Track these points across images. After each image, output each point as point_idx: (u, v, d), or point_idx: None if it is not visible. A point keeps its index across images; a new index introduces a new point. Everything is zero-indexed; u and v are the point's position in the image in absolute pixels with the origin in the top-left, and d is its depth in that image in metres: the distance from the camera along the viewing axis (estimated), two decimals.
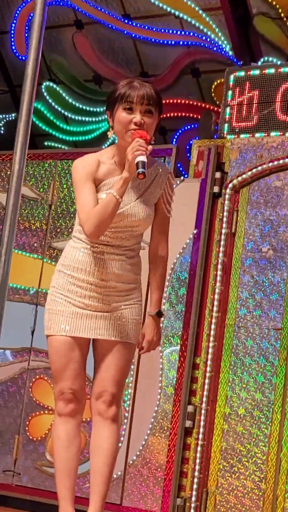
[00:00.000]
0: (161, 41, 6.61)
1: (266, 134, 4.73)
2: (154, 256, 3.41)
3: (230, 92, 4.91)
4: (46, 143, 7.49)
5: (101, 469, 3.27)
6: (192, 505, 4.51)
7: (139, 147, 3.11)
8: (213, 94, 6.60)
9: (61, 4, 6.93)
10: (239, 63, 5.81)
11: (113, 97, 3.25)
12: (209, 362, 4.59)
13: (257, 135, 4.76)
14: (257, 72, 4.85)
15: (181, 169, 6.55)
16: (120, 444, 4.46)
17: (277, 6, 5.90)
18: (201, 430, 4.55)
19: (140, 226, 3.30)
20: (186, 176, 5.22)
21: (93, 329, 3.29)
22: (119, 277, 3.29)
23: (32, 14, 3.01)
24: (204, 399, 4.57)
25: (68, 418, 3.32)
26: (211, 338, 4.61)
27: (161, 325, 3.43)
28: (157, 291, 3.41)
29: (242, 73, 4.92)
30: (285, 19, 5.96)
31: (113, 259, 3.30)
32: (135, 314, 3.34)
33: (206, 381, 4.58)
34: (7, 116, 7.65)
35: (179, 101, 6.70)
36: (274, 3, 5.98)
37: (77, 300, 3.29)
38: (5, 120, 7.60)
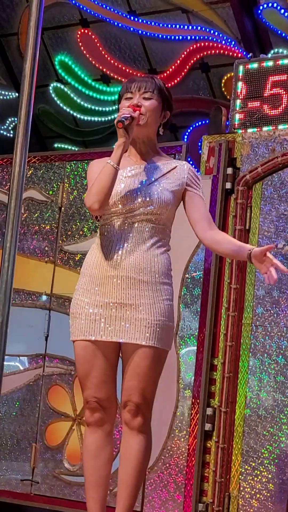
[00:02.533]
0: (168, 37, 6.56)
1: (275, 128, 4.65)
2: (212, 240, 3.29)
3: (239, 85, 4.83)
4: (56, 145, 7.47)
5: (126, 481, 3.20)
6: (215, 510, 4.43)
7: (121, 110, 3.18)
8: (223, 89, 6.54)
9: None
10: (248, 55, 5.73)
11: (119, 94, 3.37)
12: (227, 363, 4.51)
13: (269, 128, 4.68)
14: (269, 63, 4.77)
15: (193, 166, 6.48)
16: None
17: None
18: (221, 433, 4.47)
19: (154, 209, 3.20)
20: (198, 173, 5.15)
21: (112, 331, 3.16)
22: (138, 269, 3.17)
23: None
24: (223, 401, 4.49)
25: (95, 427, 3.24)
26: (228, 338, 4.53)
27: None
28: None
29: (251, 65, 4.84)
30: None
31: (132, 249, 3.19)
32: (159, 314, 3.16)
33: (225, 382, 4.50)
34: (15, 119, 7.63)
35: (189, 97, 6.65)
36: None
37: (95, 299, 3.20)
38: (14, 124, 7.57)
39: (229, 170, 4.69)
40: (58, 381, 5.14)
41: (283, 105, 4.67)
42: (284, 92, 4.68)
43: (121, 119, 3.13)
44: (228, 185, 4.68)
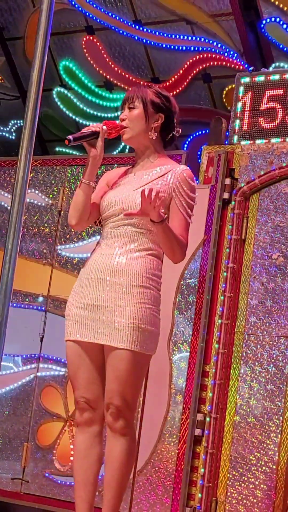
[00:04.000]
0: (172, 47, 6.62)
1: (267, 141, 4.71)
2: None
3: (240, 98, 4.89)
4: (57, 149, 7.51)
5: (110, 483, 3.22)
6: None
7: (86, 127, 3.31)
8: (224, 100, 6.60)
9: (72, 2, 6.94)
10: (250, 68, 5.80)
11: None
12: (218, 370, 4.56)
13: (269, 140, 4.74)
14: (269, 77, 4.83)
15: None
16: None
17: (286, 8, 5.89)
18: (211, 438, 4.52)
19: (134, 211, 3.22)
20: (197, 182, 5.21)
21: (91, 333, 3.20)
22: (115, 272, 3.20)
23: None
24: (214, 407, 4.54)
25: (85, 427, 3.27)
26: (221, 346, 4.58)
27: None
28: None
29: (252, 79, 4.90)
30: None
31: (111, 253, 3.24)
32: (132, 318, 3.15)
33: (216, 389, 4.55)
34: (18, 121, 7.68)
35: (190, 106, 6.71)
36: (285, 8, 5.97)
37: (79, 301, 3.27)
38: (16, 126, 7.62)
39: (227, 181, 4.75)
40: (52, 382, 5.19)
41: (279, 119, 4.74)
42: (280, 107, 4.75)
43: (69, 136, 3.24)
44: (225, 195, 4.74)
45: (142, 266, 3.23)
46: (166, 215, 3.19)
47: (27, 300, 5.37)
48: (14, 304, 5.36)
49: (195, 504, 4.51)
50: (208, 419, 4.54)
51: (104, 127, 3.30)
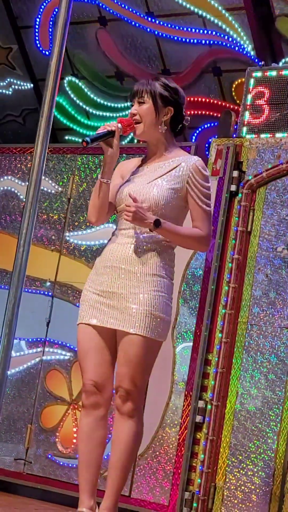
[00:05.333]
0: (183, 39, 6.63)
1: (286, 135, 4.76)
2: None
3: (249, 92, 4.94)
4: (66, 137, 7.54)
5: (115, 464, 3.31)
6: (200, 499, 4.56)
7: (102, 126, 3.34)
8: (233, 93, 6.63)
9: (85, 0, 6.99)
10: (260, 63, 5.83)
11: None
12: (221, 359, 4.63)
13: (276, 135, 4.78)
14: (274, 73, 4.88)
15: None
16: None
17: None
18: (211, 425, 4.59)
19: (147, 206, 3.31)
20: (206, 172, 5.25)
21: (105, 319, 3.29)
22: (129, 260, 3.30)
23: (57, 9, 3.07)
24: (215, 395, 4.61)
25: (90, 410, 3.34)
26: (224, 335, 4.65)
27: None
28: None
29: (262, 73, 4.94)
30: None
31: (127, 242, 3.34)
32: (146, 304, 3.25)
33: (218, 377, 4.62)
34: (29, 109, 7.72)
35: (199, 99, 6.73)
36: None
37: (94, 287, 3.36)
38: (26, 113, 7.66)
39: (235, 173, 4.80)
40: (57, 366, 5.26)
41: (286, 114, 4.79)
42: None
43: (86, 138, 3.27)
44: (233, 188, 4.80)
45: (156, 255, 3.33)
46: (153, 220, 3.26)
47: (34, 285, 5.44)
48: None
49: (194, 489, 4.59)
50: (209, 406, 4.61)
51: (119, 125, 3.35)
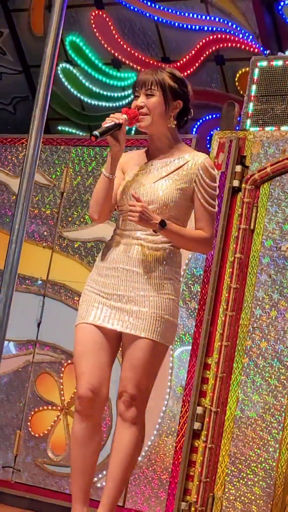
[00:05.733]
0: (184, 26, 6.67)
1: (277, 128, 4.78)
2: None
3: (254, 82, 4.96)
4: (59, 128, 7.58)
5: (113, 472, 3.33)
6: (198, 509, 4.58)
7: (107, 118, 3.31)
8: (237, 83, 6.67)
9: None
10: (265, 52, 5.86)
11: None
12: (221, 363, 4.65)
13: (282, 128, 4.81)
14: (282, 62, 4.90)
15: None
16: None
17: None
18: (210, 432, 4.62)
19: (155, 207, 3.34)
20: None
21: (112, 320, 3.31)
22: (138, 262, 3.33)
23: None
24: (215, 401, 4.63)
25: (85, 415, 3.36)
26: (224, 338, 4.67)
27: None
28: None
29: (267, 63, 4.97)
30: None
31: (134, 243, 3.36)
32: (156, 308, 3.29)
33: (217, 382, 4.64)
34: (20, 97, 7.74)
35: (201, 89, 6.77)
36: None
37: (98, 289, 3.37)
38: (17, 100, 7.68)
39: (238, 168, 4.82)
40: (48, 369, 5.28)
41: None
42: None
43: (95, 132, 3.26)
44: (235, 183, 4.82)
45: (164, 257, 3.37)
46: (158, 221, 3.29)
47: (25, 283, 5.46)
48: None
49: (191, 499, 4.61)
50: (208, 413, 4.63)
51: (125, 116, 3.32)
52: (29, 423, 5.26)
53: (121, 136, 3.33)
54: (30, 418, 5.27)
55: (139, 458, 4.73)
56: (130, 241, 3.36)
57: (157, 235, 3.35)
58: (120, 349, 3.44)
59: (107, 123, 3.29)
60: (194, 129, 6.75)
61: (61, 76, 7.44)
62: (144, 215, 3.24)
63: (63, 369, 5.23)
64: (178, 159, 3.42)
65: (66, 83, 7.46)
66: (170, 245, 3.40)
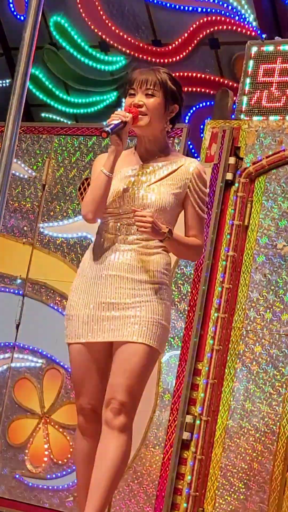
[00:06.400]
0: (177, 7, 6.71)
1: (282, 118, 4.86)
2: None
3: (250, 69, 5.04)
4: (43, 115, 7.62)
5: (100, 483, 3.38)
6: None
7: (113, 116, 3.40)
8: (232, 69, 6.72)
9: None
10: (262, 35, 5.92)
11: (125, 88, 3.62)
12: (212, 368, 4.73)
13: (277, 118, 4.88)
14: (283, 47, 4.97)
15: (193, 151, 6.67)
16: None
17: None
18: (200, 443, 4.69)
19: (152, 212, 3.44)
20: (198, 159, 5.34)
21: (106, 331, 3.44)
22: (131, 268, 3.45)
23: None
24: (205, 409, 4.71)
25: (89, 434, 3.52)
26: (216, 342, 4.75)
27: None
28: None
29: (265, 48, 5.04)
30: None
31: (125, 248, 3.47)
32: (152, 313, 3.42)
33: (208, 389, 4.72)
34: (1, 82, 7.79)
35: (194, 74, 6.82)
36: None
37: (88, 299, 3.47)
38: None
39: (231, 160, 4.90)
40: (27, 374, 5.34)
41: None
42: None
43: (106, 129, 3.35)
44: (229, 176, 4.90)
45: (158, 262, 3.50)
46: (168, 229, 3.44)
47: (3, 282, 5.52)
48: None
49: None
50: (198, 421, 4.72)
51: (131, 115, 3.42)
52: (6, 432, 5.32)
53: (124, 135, 3.44)
54: (7, 426, 5.33)
55: None
56: (124, 247, 3.48)
57: (151, 239, 3.48)
58: None
59: (114, 120, 3.39)
60: (187, 118, 6.80)
61: (45, 59, 7.48)
62: (156, 226, 3.39)
63: (43, 374, 5.30)
64: (171, 164, 3.56)
65: (50, 67, 7.49)
66: (163, 249, 3.53)
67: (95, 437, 3.48)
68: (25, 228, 5.54)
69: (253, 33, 6.31)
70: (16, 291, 5.47)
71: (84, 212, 3.48)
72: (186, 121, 6.78)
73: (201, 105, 6.78)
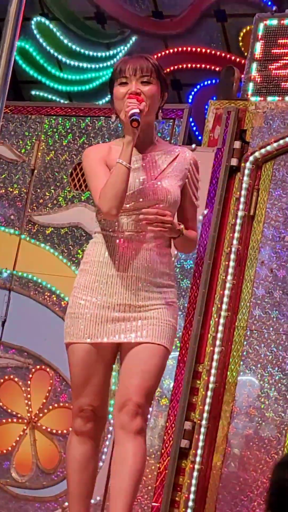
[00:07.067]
0: None
1: None
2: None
3: (258, 44, 5.04)
4: (33, 92, 7.64)
5: (123, 490, 3.51)
6: None
7: (128, 104, 3.51)
8: (240, 44, 6.73)
9: None
10: (273, 7, 5.94)
11: (111, 78, 3.70)
12: (213, 371, 4.75)
13: (287, 98, 4.90)
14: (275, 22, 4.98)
15: (197, 133, 6.69)
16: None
17: None
18: (199, 451, 4.72)
19: (164, 206, 3.58)
20: (200, 140, 5.35)
21: (121, 332, 3.57)
22: (148, 269, 3.59)
23: None
24: (205, 415, 4.73)
25: (86, 438, 3.63)
26: (218, 342, 4.77)
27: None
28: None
29: (275, 22, 5.05)
30: None
31: (141, 248, 3.60)
32: (169, 316, 3.60)
33: (209, 393, 4.74)
34: None
35: (198, 49, 6.83)
36: None
37: (102, 299, 3.57)
38: None
39: (237, 144, 4.91)
40: (13, 375, 5.37)
41: None
42: None
43: (136, 117, 3.48)
44: (233, 162, 4.91)
45: (169, 263, 3.68)
46: (181, 225, 3.62)
47: None
48: None
49: None
50: (198, 428, 4.74)
51: (143, 104, 3.56)
52: None
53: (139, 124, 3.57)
54: None
55: None
56: (140, 246, 3.60)
57: (163, 237, 3.61)
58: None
59: (133, 108, 3.49)
60: (190, 97, 6.81)
61: (35, 31, 7.49)
62: (174, 226, 3.56)
63: (30, 375, 5.32)
64: (167, 154, 3.70)
65: (41, 40, 7.50)
66: (168, 248, 3.68)
67: (93, 438, 3.63)
68: (12, 216, 5.56)
69: (263, 5, 6.32)
70: (2, 286, 5.49)
71: (107, 208, 3.55)
72: (190, 100, 6.80)
73: (206, 82, 6.80)
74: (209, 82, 6.82)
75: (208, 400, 4.74)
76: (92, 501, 4.52)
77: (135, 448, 3.52)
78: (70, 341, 3.64)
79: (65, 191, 5.43)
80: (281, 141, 4.83)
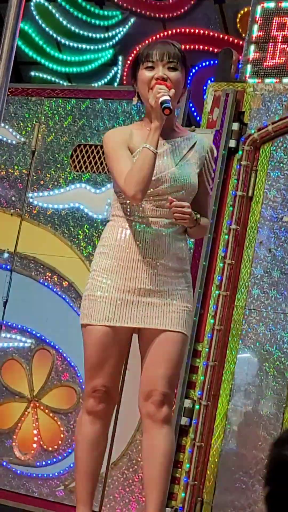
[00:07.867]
0: None
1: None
2: None
3: (256, 26, 5.06)
4: (33, 73, 7.66)
5: (155, 479, 3.70)
6: None
7: (159, 90, 3.60)
8: (238, 25, 6.75)
9: None
10: None
11: (134, 62, 3.80)
12: (212, 350, 4.80)
13: (285, 80, 4.92)
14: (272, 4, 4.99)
15: (195, 114, 6.71)
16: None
17: None
18: (199, 429, 4.77)
19: (184, 193, 3.68)
20: (199, 121, 5.38)
21: (141, 317, 3.69)
22: (167, 254, 3.70)
23: None
24: (205, 393, 4.78)
25: (97, 418, 3.78)
26: (217, 321, 4.82)
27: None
28: None
29: (272, 4, 5.06)
30: None
31: (160, 233, 3.69)
32: (186, 301, 3.72)
33: (208, 372, 4.79)
34: None
35: (196, 31, 6.85)
36: None
37: (122, 283, 3.63)
38: None
39: (235, 126, 4.94)
40: (15, 355, 5.41)
41: None
42: None
43: (168, 105, 3.56)
44: (232, 143, 4.94)
45: (185, 248, 3.80)
46: (197, 215, 3.72)
47: None
48: None
49: (177, 505, 4.77)
50: (197, 406, 4.79)
51: (172, 91, 3.64)
52: None
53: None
54: None
55: (118, 457, 4.92)
56: (160, 231, 3.70)
57: (179, 228, 3.73)
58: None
59: (164, 95, 3.57)
60: (189, 78, 6.83)
61: (34, 13, 7.52)
62: (191, 215, 3.65)
63: (32, 355, 5.37)
64: (186, 140, 3.80)
65: (40, 22, 7.52)
66: (185, 234, 3.79)
67: (104, 418, 3.78)
68: (13, 198, 5.59)
69: None
70: (3, 266, 5.53)
71: (133, 192, 3.62)
72: (188, 82, 6.81)
73: (204, 64, 6.82)
74: (206, 63, 6.84)
75: (207, 379, 4.79)
76: None
77: (164, 437, 3.69)
78: (88, 322, 3.71)
79: (66, 172, 5.46)
80: (279, 123, 4.86)
